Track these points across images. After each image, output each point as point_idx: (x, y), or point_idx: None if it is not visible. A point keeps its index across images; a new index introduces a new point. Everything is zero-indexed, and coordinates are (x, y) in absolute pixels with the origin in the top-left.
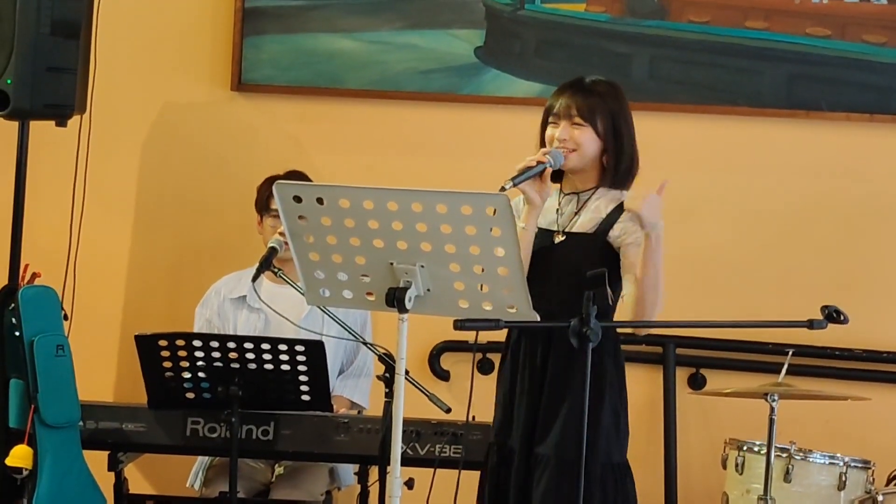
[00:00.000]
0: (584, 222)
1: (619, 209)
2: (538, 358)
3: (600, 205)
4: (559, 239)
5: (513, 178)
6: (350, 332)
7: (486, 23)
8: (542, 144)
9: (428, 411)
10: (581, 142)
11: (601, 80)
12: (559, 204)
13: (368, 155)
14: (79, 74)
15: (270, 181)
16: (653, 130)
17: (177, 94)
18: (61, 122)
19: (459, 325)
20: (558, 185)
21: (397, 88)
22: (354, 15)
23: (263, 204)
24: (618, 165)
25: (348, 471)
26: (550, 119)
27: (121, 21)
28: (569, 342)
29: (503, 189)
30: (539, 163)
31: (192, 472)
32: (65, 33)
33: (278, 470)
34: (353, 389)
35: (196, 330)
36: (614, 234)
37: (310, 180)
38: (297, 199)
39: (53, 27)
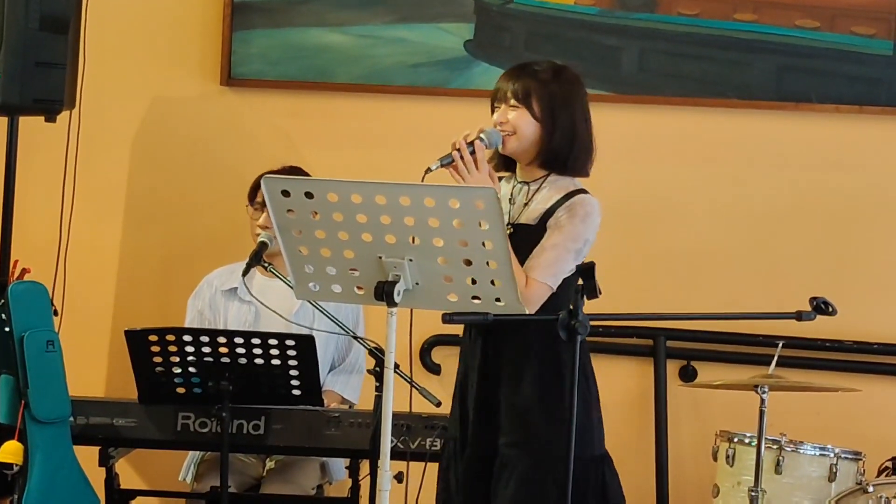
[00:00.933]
0: (530, 213)
1: (563, 200)
2: (480, 352)
3: (548, 195)
4: (509, 231)
5: (440, 158)
6: (340, 327)
7: (475, 16)
8: None
9: (418, 405)
10: (518, 124)
11: (546, 63)
12: (511, 194)
13: (358, 149)
14: (68, 69)
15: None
16: (642, 123)
17: (166, 89)
18: (50, 118)
19: (448, 318)
20: (511, 174)
21: (387, 82)
22: (343, 9)
23: (251, 193)
24: (551, 144)
25: (339, 465)
26: (494, 104)
27: (110, 16)
28: (504, 336)
29: (428, 170)
30: (468, 142)
31: (184, 466)
32: (54, 28)
33: (269, 464)
34: (345, 385)
35: (188, 321)
36: (551, 222)
37: (306, 174)
38: (286, 194)
39: (42, 22)
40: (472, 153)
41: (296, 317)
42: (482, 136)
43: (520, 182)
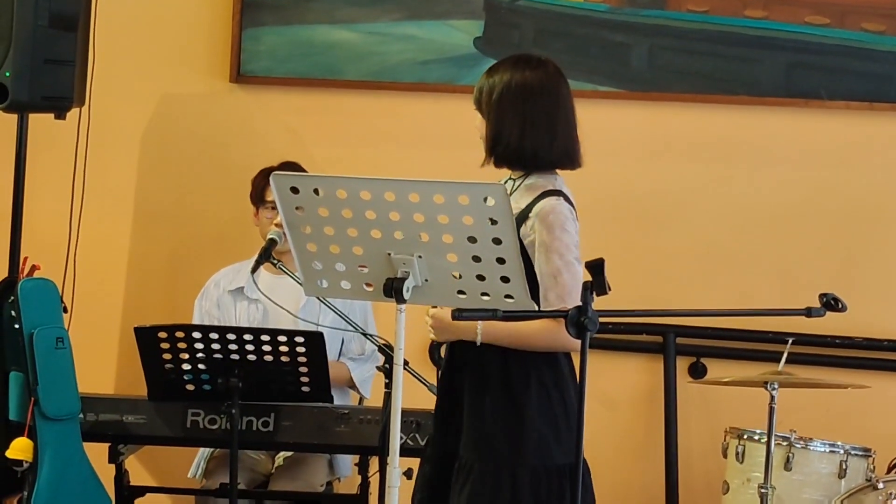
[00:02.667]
0: None
1: (534, 203)
2: (448, 350)
3: (523, 195)
4: None
5: None
6: (349, 322)
7: (484, 13)
8: None
9: (428, 402)
10: (479, 127)
11: (510, 58)
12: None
13: (367, 146)
14: (77, 67)
15: (265, 173)
16: (651, 120)
17: (175, 86)
18: (60, 115)
19: (457, 314)
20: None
21: (396, 79)
22: (352, 6)
23: (259, 195)
24: (495, 148)
25: (347, 462)
26: None
27: (119, 13)
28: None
29: None
30: None
31: (194, 464)
32: (63, 25)
33: (278, 461)
34: (355, 367)
35: (195, 322)
36: (523, 230)
37: (304, 171)
38: (294, 190)
39: (52, 20)
40: None
41: (302, 312)
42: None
43: (510, 179)
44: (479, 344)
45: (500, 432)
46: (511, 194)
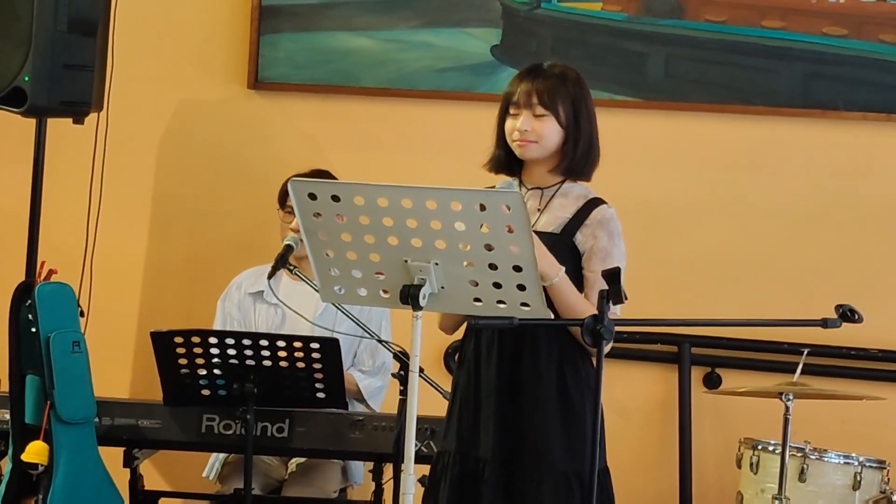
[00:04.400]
0: (549, 221)
1: (586, 209)
2: (496, 367)
3: (565, 203)
4: None
5: None
6: (364, 329)
7: (502, 21)
8: (501, 134)
9: (442, 409)
10: (543, 133)
11: (559, 65)
12: None
13: (384, 153)
14: (96, 72)
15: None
16: (668, 129)
17: (193, 92)
18: (78, 120)
19: (473, 322)
20: (515, 179)
21: (413, 87)
22: (370, 13)
23: (281, 199)
24: (575, 153)
25: (361, 469)
26: (511, 109)
27: (138, 19)
28: (522, 350)
29: None
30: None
31: (209, 464)
32: (82, 31)
33: (291, 467)
34: (363, 379)
35: (217, 323)
36: (580, 237)
37: (334, 179)
38: (312, 197)
39: (70, 24)
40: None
41: (319, 319)
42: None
43: (531, 188)
44: (554, 282)
45: (566, 440)
46: (545, 201)
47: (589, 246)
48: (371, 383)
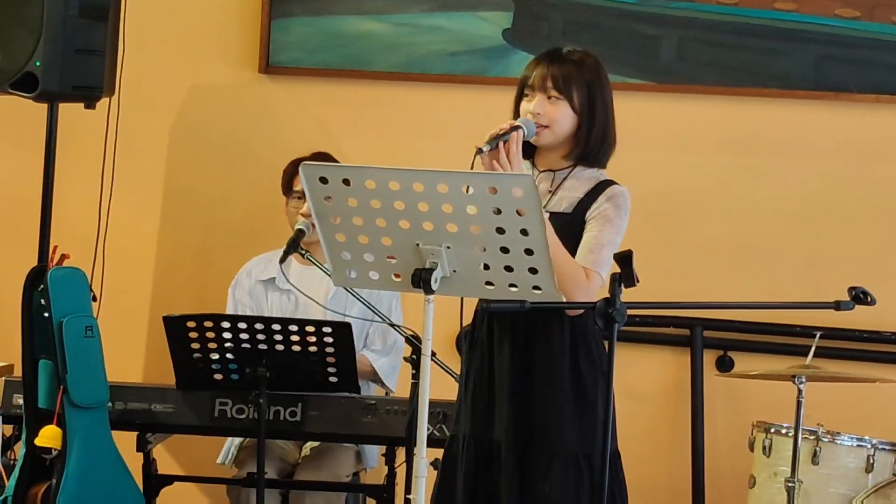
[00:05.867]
0: (559, 201)
1: (598, 189)
2: (509, 350)
3: (577, 184)
4: None
5: (488, 142)
6: (377, 314)
7: (513, 5)
8: (517, 117)
9: (454, 392)
10: (556, 118)
11: (578, 51)
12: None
13: (395, 137)
14: (107, 56)
15: (296, 163)
16: (681, 112)
17: (205, 77)
18: (90, 105)
19: (486, 306)
20: (528, 161)
21: (425, 71)
22: None
23: (287, 185)
24: (589, 139)
25: (374, 452)
26: (526, 91)
27: (149, 3)
28: (535, 333)
29: (479, 151)
30: (512, 126)
31: (224, 450)
32: (93, 15)
33: (305, 451)
34: (377, 358)
35: (230, 311)
36: (591, 214)
37: (335, 161)
38: (324, 181)
39: (82, 9)
40: (506, 141)
41: (330, 302)
42: (521, 125)
43: (543, 171)
44: None
45: (578, 423)
46: (556, 183)
47: (594, 215)
48: (384, 363)
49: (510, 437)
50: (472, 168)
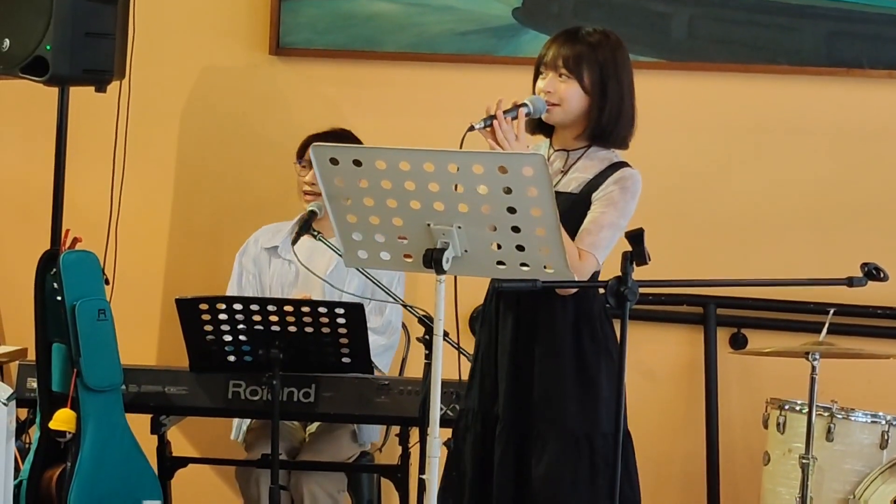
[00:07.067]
0: (570, 181)
1: (608, 171)
2: (512, 327)
3: (589, 164)
4: None
5: (484, 119)
6: (388, 293)
7: None
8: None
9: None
10: (565, 96)
11: (596, 31)
12: (547, 160)
13: (406, 118)
14: (117, 40)
15: (314, 137)
16: (692, 90)
17: (215, 59)
18: (101, 88)
19: (498, 285)
20: (547, 139)
21: (435, 51)
22: None
23: (299, 152)
24: (600, 119)
25: (373, 427)
26: (541, 69)
27: None
28: (538, 310)
29: (471, 128)
30: (515, 105)
31: (235, 426)
32: None
33: (310, 429)
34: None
35: (234, 276)
36: (597, 195)
37: (354, 137)
38: (334, 161)
39: None
40: (515, 118)
41: (329, 276)
42: (527, 102)
43: (557, 150)
44: None
45: (577, 402)
46: (569, 162)
47: (600, 196)
48: (375, 340)
49: (508, 413)
50: (461, 146)
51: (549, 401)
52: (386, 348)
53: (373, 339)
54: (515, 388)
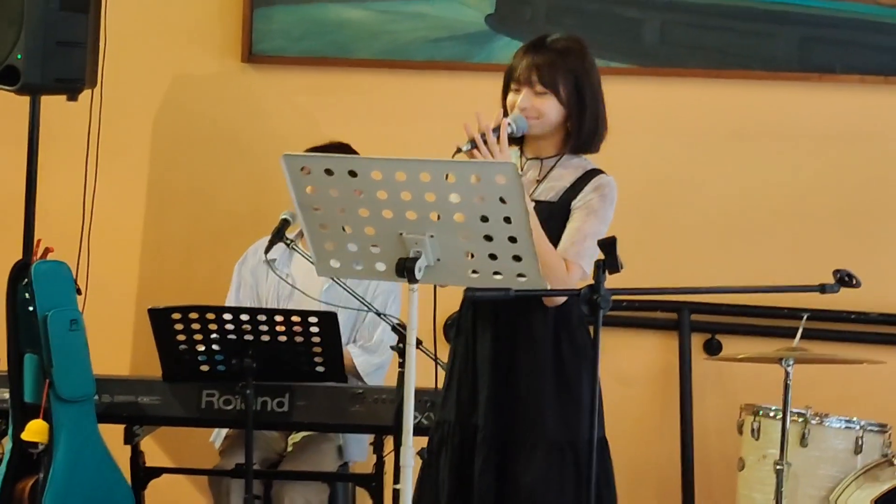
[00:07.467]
0: (547, 190)
1: (585, 178)
2: (491, 336)
3: (564, 173)
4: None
5: (470, 141)
6: (361, 301)
7: None
8: (505, 108)
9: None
10: (544, 111)
11: (563, 38)
12: (521, 169)
13: (380, 125)
14: (89, 48)
15: (311, 150)
16: (664, 96)
17: (187, 67)
18: (72, 97)
19: (470, 294)
20: (517, 148)
21: (408, 58)
22: None
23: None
24: (581, 130)
25: (360, 446)
26: (512, 85)
27: None
28: (517, 319)
29: (458, 150)
30: (497, 126)
31: (216, 430)
32: (74, 7)
33: (292, 440)
34: (359, 356)
35: (233, 287)
36: (577, 203)
37: (354, 151)
38: (306, 171)
39: (63, 2)
40: (497, 137)
41: (326, 294)
42: (510, 122)
43: (531, 158)
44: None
45: (560, 409)
46: (544, 171)
47: (580, 205)
48: (367, 360)
49: (489, 424)
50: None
51: (533, 409)
52: (377, 367)
53: (365, 358)
54: (497, 397)
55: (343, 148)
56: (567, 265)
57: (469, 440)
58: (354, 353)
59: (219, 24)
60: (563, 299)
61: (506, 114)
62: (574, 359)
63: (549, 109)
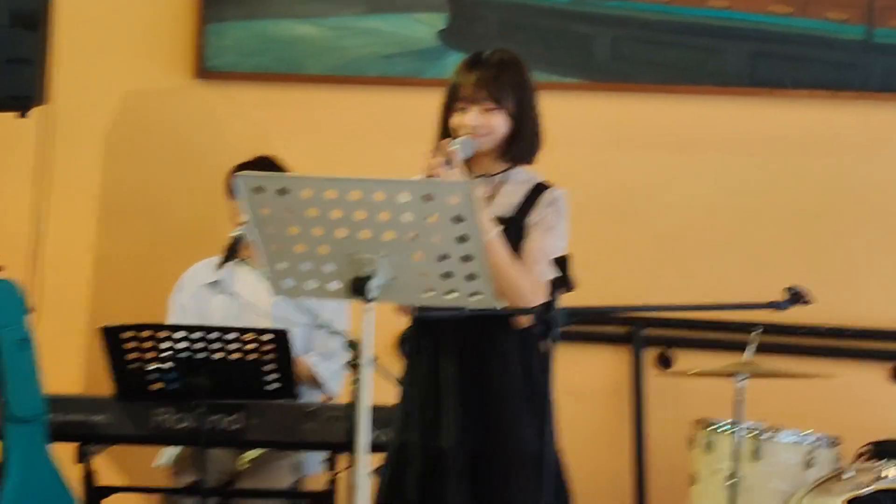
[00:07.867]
0: (501, 205)
1: (536, 192)
2: (457, 358)
3: (514, 189)
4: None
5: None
6: (316, 319)
7: (448, 6)
8: (445, 127)
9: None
10: (494, 126)
11: (498, 52)
12: None
13: (332, 141)
14: (39, 65)
15: (238, 167)
16: (615, 111)
17: (139, 83)
18: (23, 114)
19: (423, 313)
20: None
21: (360, 73)
22: (316, 0)
23: (229, 189)
24: (523, 140)
25: (314, 459)
26: (459, 104)
27: (80, 10)
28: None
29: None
30: (449, 155)
31: (164, 454)
32: (24, 24)
33: (242, 460)
34: (318, 364)
35: (171, 317)
36: (532, 219)
37: (278, 165)
38: (260, 190)
39: (13, 19)
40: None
41: (275, 307)
42: (458, 146)
43: (478, 176)
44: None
45: (530, 422)
46: (495, 187)
47: (535, 222)
48: (326, 367)
49: (460, 444)
50: None
51: (507, 427)
52: (336, 373)
53: (322, 365)
54: (469, 416)
55: (268, 161)
56: (533, 285)
57: (432, 462)
58: (314, 361)
59: (170, 39)
60: (528, 320)
61: (447, 134)
62: (541, 369)
63: (499, 124)
